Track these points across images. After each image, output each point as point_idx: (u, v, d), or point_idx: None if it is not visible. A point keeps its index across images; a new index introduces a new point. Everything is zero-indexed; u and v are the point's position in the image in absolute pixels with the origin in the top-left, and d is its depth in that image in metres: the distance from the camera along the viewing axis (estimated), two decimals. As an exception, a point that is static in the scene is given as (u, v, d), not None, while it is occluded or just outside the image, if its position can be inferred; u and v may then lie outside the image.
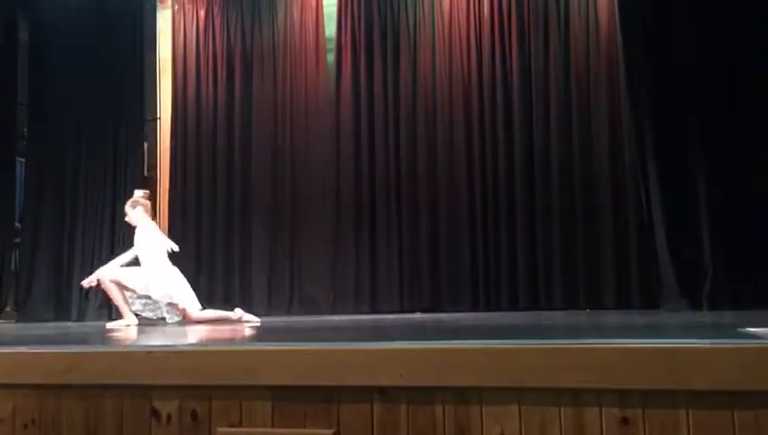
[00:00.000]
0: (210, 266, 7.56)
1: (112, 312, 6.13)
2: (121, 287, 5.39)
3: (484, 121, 7.06)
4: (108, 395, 2.20)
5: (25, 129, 8.00)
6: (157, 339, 3.96)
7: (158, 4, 8.12)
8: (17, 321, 7.32)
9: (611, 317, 5.11)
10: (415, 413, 1.95)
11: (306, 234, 7.41)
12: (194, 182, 7.77)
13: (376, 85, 7.37)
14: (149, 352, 2.23)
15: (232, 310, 5.53)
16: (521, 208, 6.85)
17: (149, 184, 7.75)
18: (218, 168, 7.73)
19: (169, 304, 5.44)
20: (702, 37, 5.61)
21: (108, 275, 5.40)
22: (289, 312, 7.21)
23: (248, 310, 5.58)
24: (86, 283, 5.65)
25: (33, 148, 7.92)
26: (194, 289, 5.58)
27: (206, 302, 6.02)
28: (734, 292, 5.27)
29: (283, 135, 7.62)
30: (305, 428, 2.02)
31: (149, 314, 5.53)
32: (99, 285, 5.58)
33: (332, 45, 7.58)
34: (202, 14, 7.95)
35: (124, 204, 5.72)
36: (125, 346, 3.17)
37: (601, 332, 3.33)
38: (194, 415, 2.11)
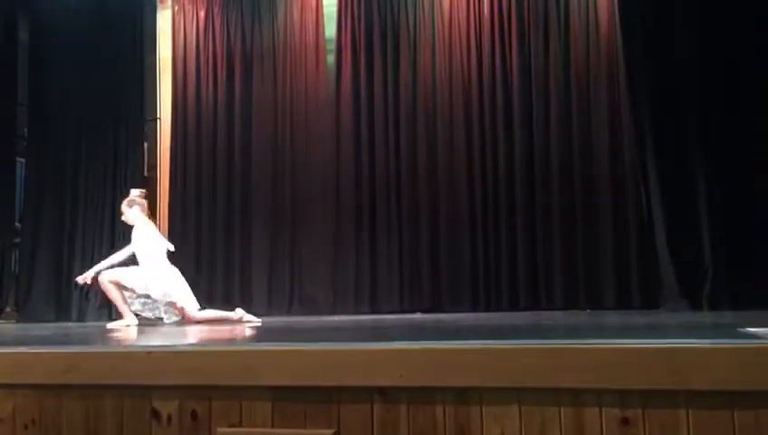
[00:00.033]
0: (210, 266, 7.56)
1: (112, 312, 6.13)
2: (120, 287, 5.39)
3: (484, 121, 7.06)
4: (108, 395, 2.20)
5: (25, 129, 8.00)
6: (157, 339, 3.96)
7: (158, 4, 8.12)
8: (17, 321, 7.31)
9: (611, 317, 5.11)
10: (415, 413, 1.95)
11: (306, 234, 7.41)
12: (194, 182, 7.77)
13: (376, 85, 7.37)
14: (149, 353, 2.23)
15: (232, 310, 5.53)
16: (521, 208, 6.85)
17: (149, 184, 7.75)
18: (218, 168, 7.73)
19: (168, 304, 5.44)
20: (702, 37, 5.61)
21: (106, 276, 5.39)
22: (289, 312, 7.21)
23: (248, 310, 5.58)
24: (81, 279, 5.65)
25: (33, 148, 7.92)
26: (194, 289, 5.58)
27: (206, 302, 6.03)
28: (734, 292, 5.27)
29: (283, 135, 7.62)
30: (305, 428, 2.02)
31: (149, 314, 5.54)
32: (94, 282, 5.58)
33: (332, 46, 7.58)
34: (202, 14, 7.95)
35: (124, 204, 5.72)
36: (125, 346, 3.17)
37: (601, 332, 3.33)
38: (194, 415, 2.11)
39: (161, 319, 5.52)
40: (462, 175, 7.04)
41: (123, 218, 5.69)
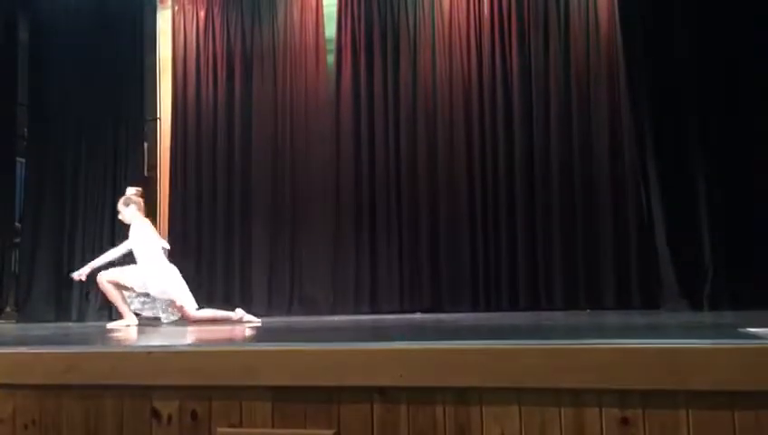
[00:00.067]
0: (210, 266, 7.56)
1: (112, 312, 6.13)
2: (119, 287, 5.38)
3: (484, 121, 7.06)
4: (108, 395, 2.20)
5: (25, 129, 8.00)
6: (157, 339, 3.96)
7: (158, 4, 8.12)
8: (17, 321, 7.31)
9: (611, 317, 5.12)
10: (415, 414, 1.95)
11: (306, 234, 7.41)
12: (194, 182, 7.77)
13: (376, 85, 7.37)
14: (150, 353, 2.23)
15: (232, 310, 5.52)
16: (521, 208, 6.84)
17: (149, 184, 7.75)
18: (218, 168, 7.73)
19: (167, 303, 5.42)
20: (702, 37, 5.61)
21: (105, 276, 5.38)
22: (289, 312, 7.21)
23: (248, 310, 5.58)
24: (76, 275, 5.63)
25: (33, 148, 7.92)
26: (194, 289, 5.58)
27: (206, 302, 6.02)
28: (735, 292, 5.27)
29: (283, 135, 7.62)
30: (305, 428, 2.02)
31: (149, 313, 5.53)
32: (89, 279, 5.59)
33: (332, 46, 7.58)
34: (202, 14, 7.95)
35: (123, 204, 5.71)
36: (125, 347, 3.17)
37: (601, 332, 3.33)
38: (194, 415, 2.11)
39: (159, 318, 5.51)
40: (462, 175, 7.04)
41: (120, 217, 5.68)
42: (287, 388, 2.04)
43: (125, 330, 4.95)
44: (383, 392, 1.96)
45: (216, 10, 7.92)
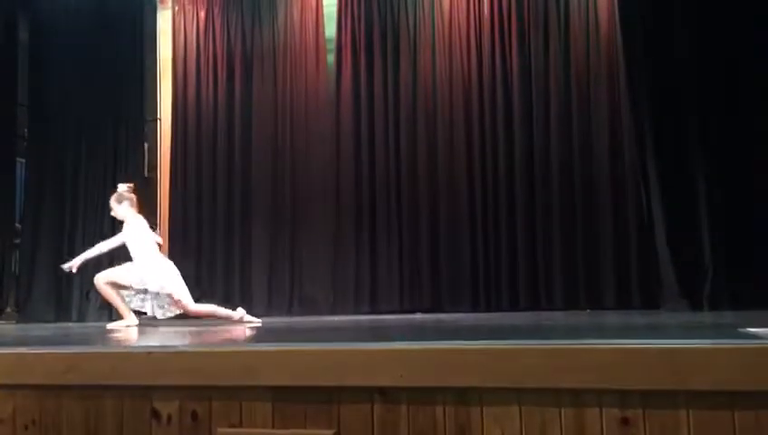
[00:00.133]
0: (210, 266, 7.56)
1: (112, 312, 6.11)
2: (117, 287, 5.36)
3: (484, 121, 7.06)
4: (108, 396, 2.20)
5: (25, 129, 7.99)
6: (157, 340, 3.96)
7: (158, 4, 8.11)
8: (18, 322, 7.31)
9: (612, 317, 5.12)
10: (415, 414, 1.95)
11: (306, 234, 7.41)
12: (194, 183, 7.77)
13: (376, 86, 7.37)
14: (150, 353, 2.23)
15: (233, 310, 5.51)
16: (521, 208, 6.84)
17: (149, 184, 7.76)
18: (218, 168, 7.73)
19: (164, 299, 5.39)
20: (702, 37, 5.61)
21: (102, 278, 5.36)
22: (289, 312, 7.21)
23: (248, 310, 5.56)
24: (66, 266, 5.61)
25: (33, 148, 7.92)
26: (194, 289, 5.57)
27: (207, 302, 6.01)
28: (735, 292, 5.27)
29: (284, 136, 7.62)
30: (305, 428, 2.02)
31: (149, 310, 5.50)
32: (79, 271, 5.56)
33: (332, 46, 7.57)
34: (202, 14, 7.95)
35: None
36: (125, 347, 3.17)
37: (602, 332, 3.33)
38: (194, 416, 2.11)
39: (154, 317, 5.50)
40: (462, 175, 7.04)
41: (112, 214, 5.65)
42: (287, 388, 2.04)
43: (125, 330, 4.95)
44: (383, 393, 1.96)
45: (216, 10, 7.92)
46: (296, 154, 7.54)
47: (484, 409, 1.90)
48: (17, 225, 7.90)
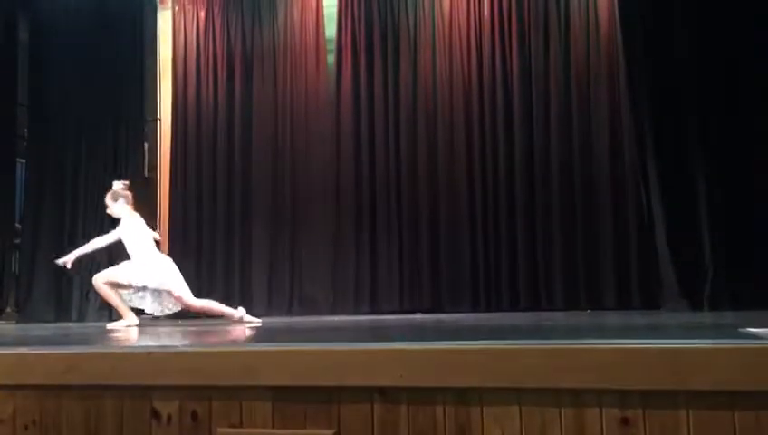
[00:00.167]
0: (210, 267, 7.56)
1: (112, 312, 6.11)
2: (116, 287, 5.34)
3: (484, 122, 7.06)
4: (108, 396, 2.20)
5: (25, 129, 7.99)
6: (157, 340, 3.96)
7: (158, 4, 8.11)
8: (18, 322, 7.31)
9: (612, 318, 5.12)
10: (415, 414, 1.95)
11: (306, 234, 7.41)
12: (194, 183, 7.77)
13: (376, 86, 7.37)
14: (150, 353, 2.23)
15: (234, 308, 5.50)
16: (521, 209, 6.84)
17: (150, 184, 7.76)
18: (219, 168, 7.73)
19: (163, 295, 5.37)
20: (702, 37, 5.61)
21: (100, 278, 5.34)
22: (289, 312, 7.21)
23: (248, 310, 5.56)
24: (61, 261, 5.58)
25: (33, 148, 7.92)
26: (194, 290, 5.57)
27: (207, 302, 6.01)
28: (735, 292, 5.27)
29: (284, 136, 7.62)
30: (305, 428, 2.02)
31: (149, 308, 5.49)
32: (74, 267, 5.57)
33: (333, 46, 7.57)
34: (202, 14, 7.95)
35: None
36: (125, 347, 3.16)
37: (602, 332, 3.33)
38: (194, 416, 2.11)
39: (153, 314, 5.49)
40: (462, 175, 7.04)
41: (108, 211, 5.61)
42: (287, 388, 2.04)
43: (125, 330, 4.94)
44: (383, 393, 1.96)
45: (216, 10, 7.92)
46: (296, 154, 7.55)
47: (484, 409, 1.90)
48: (17, 225, 7.90)
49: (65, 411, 2.23)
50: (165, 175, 7.91)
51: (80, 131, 7.74)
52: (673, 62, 5.73)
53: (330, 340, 3.04)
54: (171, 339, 3.89)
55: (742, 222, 5.40)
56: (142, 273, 5.30)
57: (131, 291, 5.40)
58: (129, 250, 5.41)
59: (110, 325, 5.26)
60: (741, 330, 2.49)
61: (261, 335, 4.01)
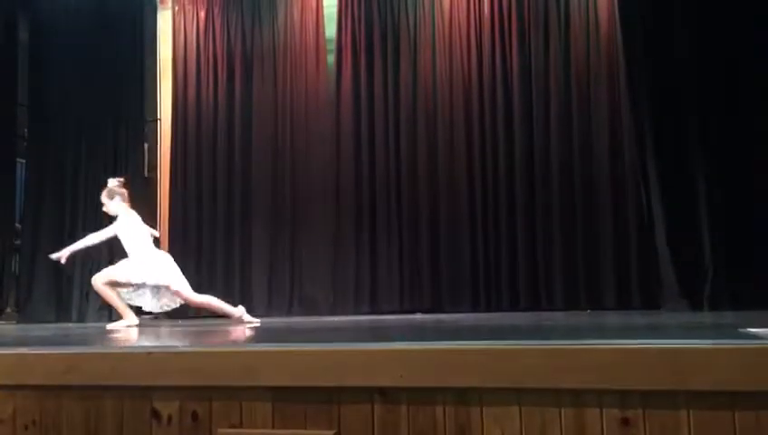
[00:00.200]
0: (210, 266, 7.56)
1: (112, 313, 6.12)
2: (115, 287, 5.33)
3: (484, 122, 7.06)
4: (108, 396, 2.20)
5: (25, 129, 7.99)
6: (157, 340, 3.96)
7: (158, 4, 8.11)
8: (18, 322, 7.31)
9: (612, 318, 5.12)
10: (415, 414, 1.95)
11: (306, 234, 7.41)
12: (194, 183, 7.76)
13: (376, 86, 7.37)
14: (150, 353, 2.23)
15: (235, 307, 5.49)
16: (521, 209, 6.84)
17: (150, 184, 7.77)
18: (219, 169, 7.73)
19: (162, 292, 5.37)
20: (702, 37, 5.61)
21: (99, 279, 5.33)
22: (289, 312, 7.21)
23: (248, 311, 5.56)
24: (55, 256, 5.55)
25: (34, 148, 7.92)
26: (194, 289, 5.56)
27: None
28: (735, 292, 5.27)
29: (284, 136, 7.62)
30: (306, 429, 2.01)
31: (148, 306, 5.48)
32: (68, 263, 5.57)
33: (333, 46, 7.57)
34: (202, 14, 7.95)
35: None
36: (125, 347, 3.16)
37: (602, 332, 3.33)
38: (194, 416, 2.11)
39: (152, 312, 5.49)
40: (462, 175, 7.04)
41: (104, 209, 5.58)
42: (287, 388, 2.04)
43: (125, 330, 4.94)
44: (383, 393, 1.96)
45: (216, 10, 7.92)
46: (296, 154, 7.54)
47: (484, 409, 1.90)
48: (17, 225, 7.90)
49: (65, 412, 2.23)
50: (165, 175, 7.91)
51: (80, 131, 7.74)
52: (673, 62, 5.73)
53: (330, 340, 3.04)
54: (171, 339, 3.89)
55: (742, 222, 5.40)
56: (140, 270, 5.29)
57: (131, 289, 5.38)
58: (125, 248, 5.40)
59: (110, 326, 5.26)
60: (741, 330, 2.49)
61: (261, 335, 4.01)
